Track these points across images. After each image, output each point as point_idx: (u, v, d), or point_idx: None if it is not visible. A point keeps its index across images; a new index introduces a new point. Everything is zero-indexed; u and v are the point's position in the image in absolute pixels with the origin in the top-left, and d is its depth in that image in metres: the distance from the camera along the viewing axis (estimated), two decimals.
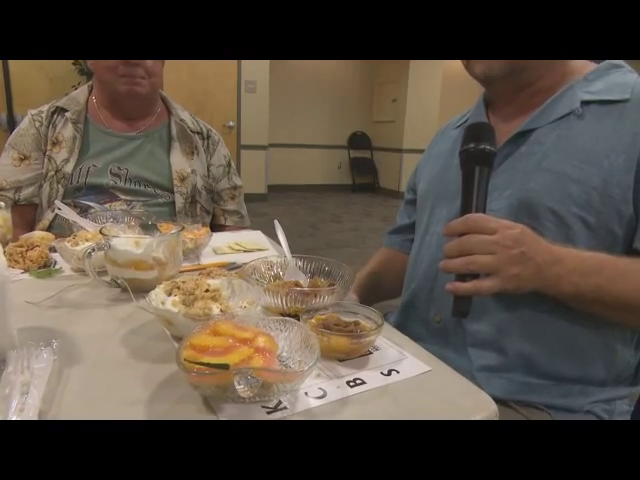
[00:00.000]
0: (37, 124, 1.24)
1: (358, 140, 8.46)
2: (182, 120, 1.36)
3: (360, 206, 7.19)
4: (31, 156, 1.24)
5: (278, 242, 0.88)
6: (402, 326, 0.85)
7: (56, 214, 1.20)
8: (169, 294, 0.61)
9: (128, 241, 0.73)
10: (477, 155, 0.65)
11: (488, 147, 0.65)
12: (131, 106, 1.27)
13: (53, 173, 1.22)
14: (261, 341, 0.49)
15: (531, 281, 0.63)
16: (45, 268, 0.87)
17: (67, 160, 1.22)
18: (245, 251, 1.03)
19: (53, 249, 0.93)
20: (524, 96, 0.78)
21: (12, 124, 6.22)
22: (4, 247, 0.89)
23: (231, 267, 0.92)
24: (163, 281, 0.73)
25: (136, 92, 1.22)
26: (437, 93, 7.66)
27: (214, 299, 0.60)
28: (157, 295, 0.60)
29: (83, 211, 1.21)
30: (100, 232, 0.73)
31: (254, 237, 1.16)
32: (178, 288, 0.63)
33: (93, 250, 0.70)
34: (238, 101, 6.57)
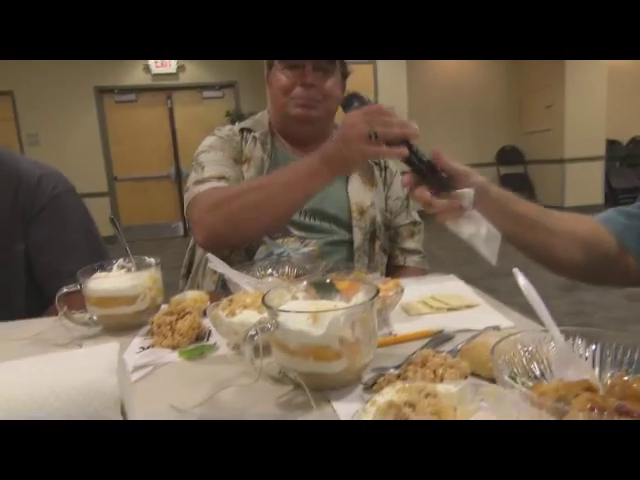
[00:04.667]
0: (236, 138, 1.12)
1: (507, 155, 7.72)
2: None
3: None
4: (241, 161, 1.11)
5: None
6: None
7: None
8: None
9: (302, 316, 0.48)
10: None
11: None
12: (303, 131, 1.11)
13: None
14: None
15: None
16: (197, 343, 0.68)
17: (254, 177, 1.08)
18: (449, 309, 0.73)
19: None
20: None
21: (179, 177, 7.00)
22: (153, 315, 0.73)
23: (440, 339, 0.62)
24: (355, 374, 0.47)
25: (309, 116, 1.07)
26: (602, 93, 6.63)
27: None
28: None
29: (255, 246, 1.06)
30: (263, 303, 0.50)
31: (452, 286, 0.85)
32: (399, 408, 0.35)
33: (255, 334, 0.46)
34: None
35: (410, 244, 1.19)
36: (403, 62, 6.37)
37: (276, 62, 1.06)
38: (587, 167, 6.86)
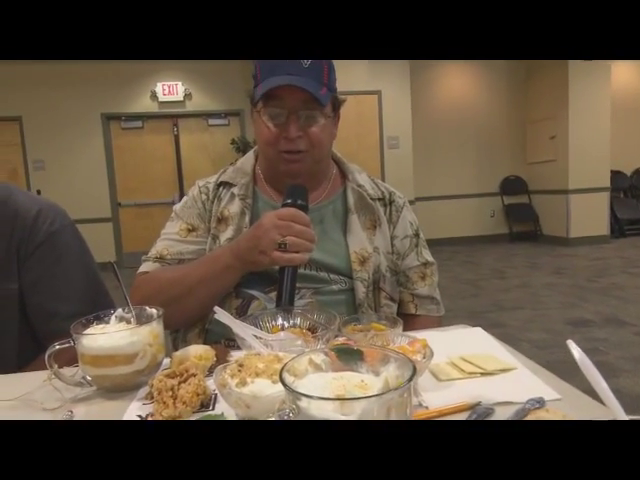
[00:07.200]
0: (203, 197, 1.08)
1: (512, 185, 7.72)
2: (360, 186, 1.08)
3: (523, 257, 6.35)
4: (199, 227, 1.07)
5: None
6: None
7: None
8: None
9: (329, 402, 0.41)
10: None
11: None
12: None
13: None
14: None
15: None
16: (202, 411, 0.60)
17: (231, 240, 1.01)
18: (483, 374, 0.65)
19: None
20: None
21: None
22: (153, 374, 0.66)
23: (478, 413, 0.55)
24: None
25: (298, 172, 1.00)
26: (606, 125, 6.66)
27: None
28: None
29: (245, 303, 0.98)
30: (281, 382, 0.43)
31: (482, 343, 0.77)
32: None
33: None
34: (381, 158, 6.47)
35: (422, 289, 1.07)
36: (408, 91, 6.43)
37: (259, 106, 0.97)
38: (592, 198, 6.83)
